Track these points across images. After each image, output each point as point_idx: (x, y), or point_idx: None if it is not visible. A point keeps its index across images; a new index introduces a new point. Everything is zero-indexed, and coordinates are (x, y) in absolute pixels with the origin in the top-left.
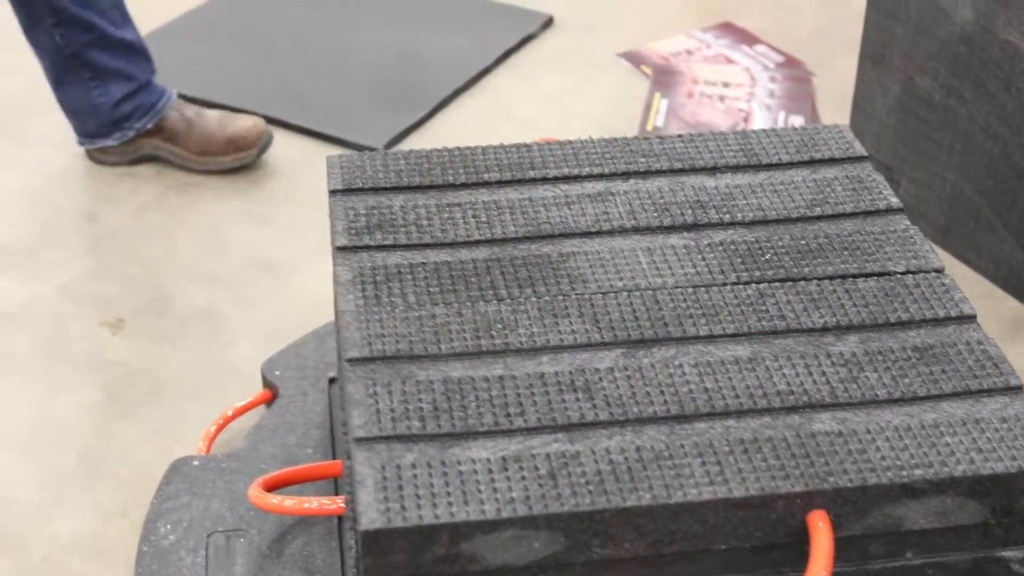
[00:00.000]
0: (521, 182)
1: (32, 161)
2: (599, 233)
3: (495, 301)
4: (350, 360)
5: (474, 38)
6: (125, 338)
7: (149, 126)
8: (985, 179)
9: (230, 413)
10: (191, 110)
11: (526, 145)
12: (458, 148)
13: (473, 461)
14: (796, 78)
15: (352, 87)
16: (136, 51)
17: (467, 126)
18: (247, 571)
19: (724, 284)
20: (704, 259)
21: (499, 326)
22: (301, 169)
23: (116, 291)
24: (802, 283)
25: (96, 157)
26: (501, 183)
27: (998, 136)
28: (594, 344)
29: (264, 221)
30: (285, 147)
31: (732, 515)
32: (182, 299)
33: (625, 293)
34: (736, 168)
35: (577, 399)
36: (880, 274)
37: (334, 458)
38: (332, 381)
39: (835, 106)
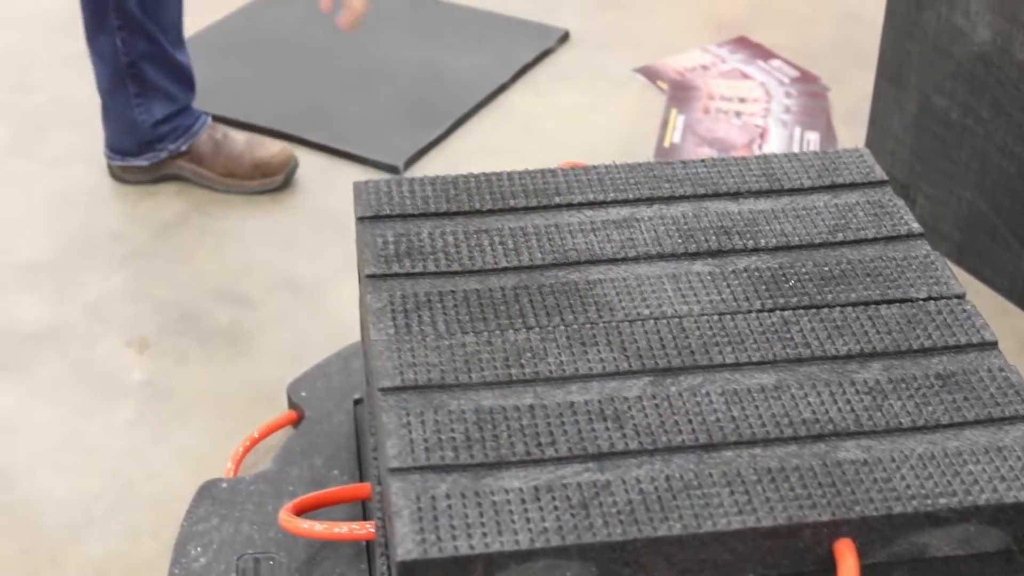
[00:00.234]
0: (547, 208)
1: (54, 179)
2: (625, 260)
3: (524, 329)
4: (383, 389)
5: (492, 54)
6: (151, 358)
7: (183, 148)
8: (1001, 197)
9: (256, 434)
10: (219, 132)
11: (551, 170)
12: (483, 174)
13: (506, 491)
14: (811, 93)
15: (371, 104)
16: (184, 75)
17: (487, 143)
18: None
19: (749, 311)
20: (729, 286)
21: (528, 355)
22: (322, 186)
23: (141, 311)
24: (825, 310)
25: (119, 175)
26: (527, 209)
27: (1014, 155)
28: (622, 372)
29: (287, 240)
30: (305, 164)
31: (760, 544)
32: (207, 318)
33: (652, 321)
34: (759, 193)
35: (607, 428)
36: (902, 300)
37: (361, 480)
38: (357, 402)
39: (850, 121)
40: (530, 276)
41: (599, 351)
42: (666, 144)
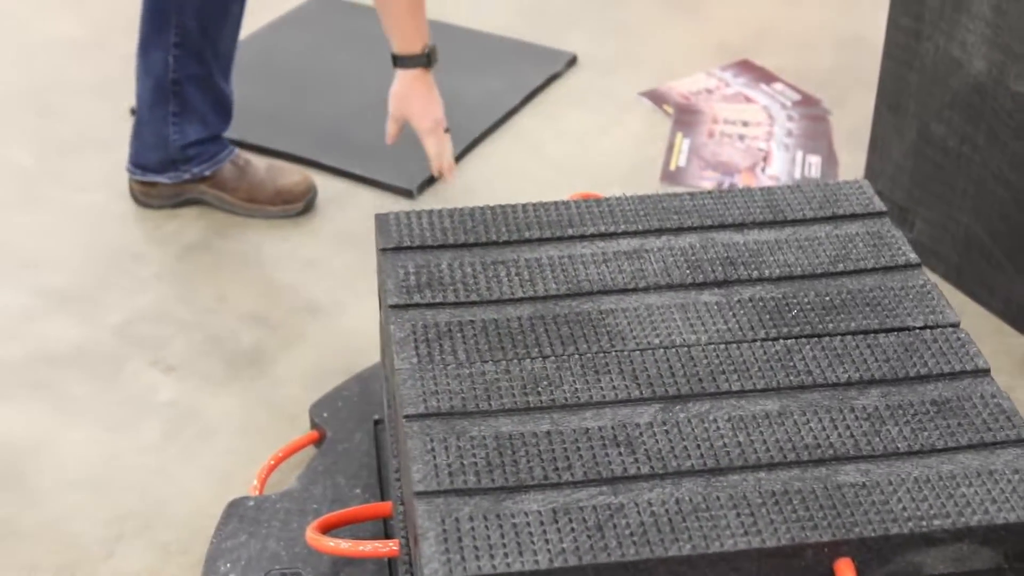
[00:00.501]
0: (560, 239)
1: (77, 203)
2: (635, 290)
3: (540, 358)
4: (407, 416)
5: (501, 78)
6: (177, 379)
7: (206, 173)
8: (997, 222)
9: (280, 454)
10: (241, 159)
11: (564, 202)
12: (499, 206)
13: (525, 514)
14: (813, 116)
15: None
16: (224, 104)
17: (498, 167)
18: None
19: (754, 340)
20: (735, 315)
21: (545, 383)
22: (339, 210)
23: (166, 333)
24: (826, 339)
25: (141, 200)
26: (541, 240)
27: (1009, 183)
28: (634, 399)
29: (307, 263)
30: (321, 187)
31: (765, 563)
32: (231, 340)
33: (662, 350)
34: (763, 224)
35: (620, 453)
36: (900, 329)
37: (382, 498)
38: (377, 423)
39: (851, 144)
40: (545, 306)
41: (611, 379)
42: (672, 167)
